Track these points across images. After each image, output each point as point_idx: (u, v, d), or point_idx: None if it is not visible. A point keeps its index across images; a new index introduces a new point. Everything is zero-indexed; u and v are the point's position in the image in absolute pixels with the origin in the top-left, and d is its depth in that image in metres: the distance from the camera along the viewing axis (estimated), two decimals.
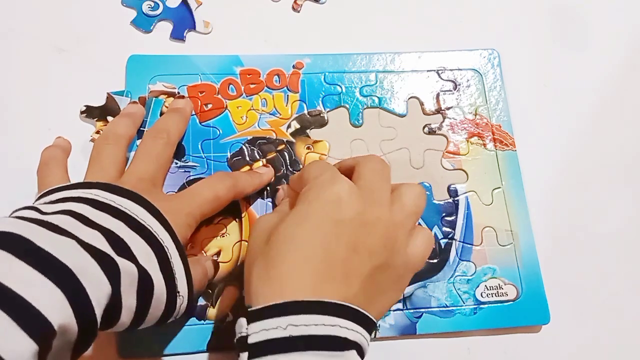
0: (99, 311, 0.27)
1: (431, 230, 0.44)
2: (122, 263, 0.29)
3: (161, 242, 0.31)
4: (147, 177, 0.36)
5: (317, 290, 0.30)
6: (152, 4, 0.49)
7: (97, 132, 0.44)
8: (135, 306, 0.30)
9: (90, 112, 0.44)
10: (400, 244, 0.33)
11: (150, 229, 0.31)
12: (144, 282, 0.30)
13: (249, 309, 0.29)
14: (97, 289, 0.27)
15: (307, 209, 0.32)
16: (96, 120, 0.44)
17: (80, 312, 0.26)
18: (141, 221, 0.31)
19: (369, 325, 0.31)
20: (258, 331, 0.28)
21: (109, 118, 0.44)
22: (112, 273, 0.28)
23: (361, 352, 0.30)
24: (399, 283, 0.34)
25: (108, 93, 0.44)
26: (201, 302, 0.40)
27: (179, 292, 0.32)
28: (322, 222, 0.31)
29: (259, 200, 0.43)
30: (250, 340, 0.28)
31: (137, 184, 0.35)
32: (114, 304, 0.29)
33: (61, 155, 0.39)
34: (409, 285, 0.42)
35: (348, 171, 0.36)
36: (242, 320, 0.29)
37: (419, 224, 0.44)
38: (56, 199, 0.31)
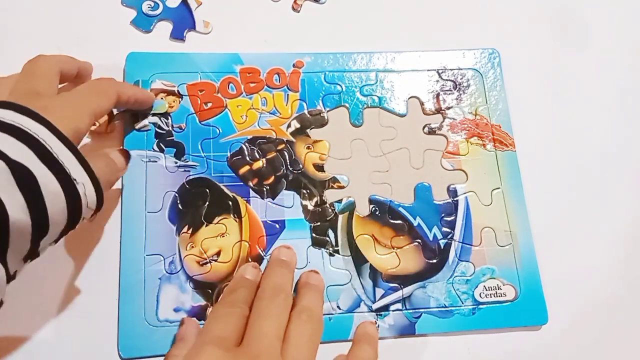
0: None
1: (430, 230, 0.44)
2: None
3: (35, 136, 0.31)
4: None
5: None
6: (152, 3, 0.49)
7: (94, 124, 0.44)
8: (24, 200, 0.30)
9: None
10: None
11: (21, 127, 0.31)
12: (22, 175, 0.30)
13: None
14: None
15: None
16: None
17: None
18: (9, 122, 0.31)
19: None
20: None
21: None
22: None
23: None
24: None
25: None
26: (201, 302, 0.40)
27: (75, 179, 0.32)
28: None
29: (259, 200, 0.43)
30: None
31: None
32: None
33: None
34: (409, 285, 0.42)
35: None
36: None
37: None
38: None
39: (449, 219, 0.45)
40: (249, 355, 0.32)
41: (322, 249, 0.43)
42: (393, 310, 0.42)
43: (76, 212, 0.33)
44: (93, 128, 0.44)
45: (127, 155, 0.41)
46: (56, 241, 0.34)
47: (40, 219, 0.31)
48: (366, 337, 0.39)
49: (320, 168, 0.45)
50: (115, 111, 0.44)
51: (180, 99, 0.46)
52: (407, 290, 0.42)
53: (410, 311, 0.42)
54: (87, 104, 0.36)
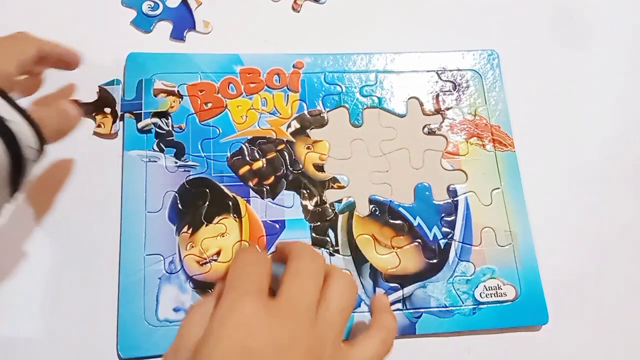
0: None
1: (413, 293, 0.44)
2: None
3: None
4: None
5: None
6: (152, 4, 0.49)
7: (99, 126, 0.44)
8: None
9: (87, 110, 0.44)
10: (332, 352, 0.31)
11: None
12: None
13: None
14: None
15: (217, 335, 0.30)
16: (95, 115, 0.44)
17: None
18: None
19: None
20: None
21: (106, 110, 0.44)
22: None
23: None
24: None
25: (100, 86, 0.45)
26: None
27: (3, 117, 0.32)
28: (232, 353, 0.29)
29: (259, 200, 0.43)
30: None
31: None
32: None
33: None
34: (409, 285, 0.42)
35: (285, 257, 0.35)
36: None
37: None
38: None
39: (449, 219, 0.45)
40: (287, 314, 0.31)
41: (322, 248, 0.43)
42: (393, 310, 0.41)
43: (15, 152, 0.32)
44: (97, 130, 0.44)
45: (79, 104, 0.41)
46: (12, 194, 0.34)
47: None
48: (385, 306, 0.37)
49: (320, 168, 0.45)
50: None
51: (180, 99, 0.46)
52: (407, 290, 0.42)
53: (411, 311, 0.42)
54: (10, 51, 0.36)
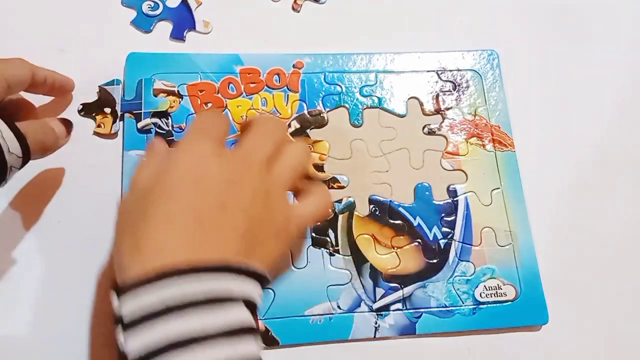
0: None
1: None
2: None
3: None
4: None
5: (191, 252, 0.29)
6: (152, 4, 0.49)
7: (99, 126, 0.44)
8: None
9: (87, 109, 0.45)
10: (276, 199, 0.33)
11: None
12: None
13: (121, 286, 0.28)
14: None
15: (173, 167, 0.31)
16: (95, 115, 0.44)
17: None
18: None
19: (256, 279, 0.30)
20: (134, 309, 0.26)
21: (106, 109, 0.45)
22: None
23: (250, 304, 0.29)
24: (280, 236, 0.34)
25: (100, 86, 0.45)
26: None
27: None
28: (185, 184, 0.31)
29: None
30: (126, 320, 0.26)
31: None
32: None
33: None
34: (409, 285, 0.42)
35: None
36: (115, 298, 0.27)
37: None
38: None
39: (449, 219, 0.45)
40: (241, 160, 0.33)
41: (322, 248, 0.43)
42: (393, 310, 0.42)
43: None
44: (98, 130, 0.44)
45: (67, 124, 0.41)
46: None
47: None
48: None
49: (320, 168, 0.45)
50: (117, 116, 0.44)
51: (180, 99, 0.46)
52: (407, 290, 0.42)
53: (411, 311, 0.42)
54: (1, 69, 0.36)
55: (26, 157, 0.36)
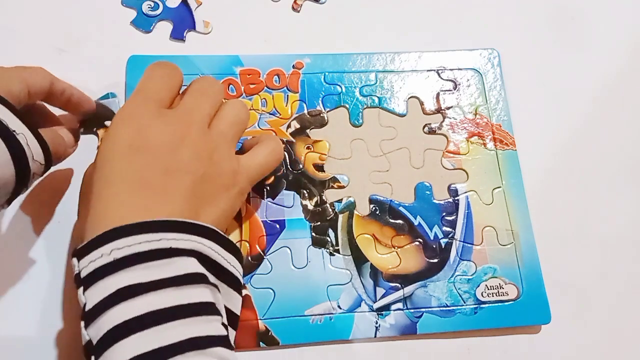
0: None
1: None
2: None
3: None
4: None
5: (138, 214, 0.30)
6: (152, 4, 0.49)
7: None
8: None
9: (87, 126, 0.43)
10: (222, 154, 0.35)
11: None
12: None
13: (76, 250, 0.30)
14: None
15: (113, 134, 0.33)
16: (96, 130, 0.44)
17: None
18: None
19: (206, 234, 0.31)
20: (87, 264, 0.29)
21: (107, 123, 0.44)
22: None
23: (204, 257, 0.31)
24: (230, 191, 0.35)
25: (96, 101, 0.43)
26: None
27: (14, 130, 0.32)
28: (125, 150, 0.32)
29: (259, 200, 0.43)
30: (82, 274, 0.29)
31: None
32: None
33: None
34: (409, 285, 0.42)
35: None
36: (74, 260, 0.30)
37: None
38: None
39: (449, 218, 0.44)
40: (180, 120, 0.34)
41: (323, 248, 0.43)
42: (394, 310, 0.41)
43: (23, 165, 0.33)
44: (100, 132, 0.44)
45: (75, 133, 0.41)
46: (8, 202, 0.34)
47: None
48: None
49: (320, 168, 0.45)
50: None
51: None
52: (408, 290, 0.42)
53: (412, 311, 0.41)
54: (20, 74, 0.36)
55: (48, 165, 0.36)
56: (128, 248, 0.29)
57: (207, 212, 0.34)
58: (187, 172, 0.33)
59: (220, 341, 0.29)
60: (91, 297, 0.28)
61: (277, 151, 0.40)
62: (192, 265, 0.30)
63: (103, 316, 0.27)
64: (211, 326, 0.29)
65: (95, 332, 0.27)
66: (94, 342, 0.27)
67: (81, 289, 0.28)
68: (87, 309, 0.28)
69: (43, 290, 0.40)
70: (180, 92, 0.38)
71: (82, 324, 0.28)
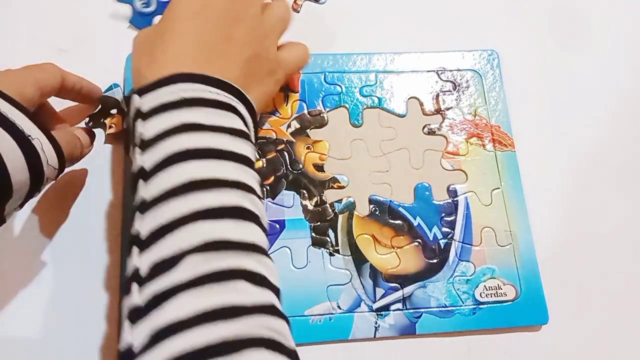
0: None
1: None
2: None
3: None
4: None
5: (202, 69, 0.33)
6: (144, 0, 0.48)
7: (110, 127, 0.43)
8: None
9: (95, 119, 0.44)
10: (270, 41, 0.38)
11: None
12: None
13: (140, 89, 0.32)
14: None
15: (181, 4, 0.36)
16: (103, 121, 0.44)
17: None
18: None
19: (251, 110, 0.35)
20: (151, 100, 0.31)
21: (113, 111, 0.44)
22: None
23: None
24: (273, 76, 0.39)
25: (102, 95, 0.44)
26: None
27: (29, 135, 0.32)
28: (193, 15, 0.35)
29: None
30: (144, 108, 0.31)
31: None
32: None
33: None
34: (409, 285, 0.42)
35: None
36: (134, 96, 0.32)
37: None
38: None
39: (449, 219, 0.45)
40: (241, 1, 0.37)
41: (322, 248, 0.43)
42: (393, 310, 0.42)
43: (37, 170, 0.33)
44: (110, 131, 0.44)
45: (90, 133, 0.41)
46: (21, 206, 0.34)
47: (1, 179, 0.31)
48: None
49: (320, 168, 0.45)
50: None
51: None
52: (407, 290, 0.42)
53: (411, 311, 0.42)
54: (32, 75, 0.36)
55: (61, 169, 0.36)
56: (193, 92, 0.32)
57: (254, 89, 0.36)
58: (245, 44, 0.36)
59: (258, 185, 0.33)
60: (152, 127, 0.30)
61: (308, 53, 0.43)
62: (241, 124, 0.33)
63: (163, 142, 0.30)
64: (252, 175, 0.32)
65: (151, 157, 0.30)
66: (149, 167, 0.30)
67: (139, 119, 0.31)
68: (145, 137, 0.30)
69: (57, 291, 0.40)
70: None
71: (137, 150, 0.31)
